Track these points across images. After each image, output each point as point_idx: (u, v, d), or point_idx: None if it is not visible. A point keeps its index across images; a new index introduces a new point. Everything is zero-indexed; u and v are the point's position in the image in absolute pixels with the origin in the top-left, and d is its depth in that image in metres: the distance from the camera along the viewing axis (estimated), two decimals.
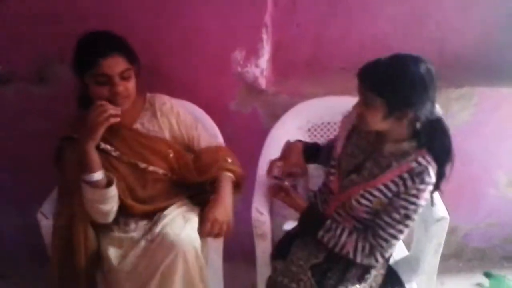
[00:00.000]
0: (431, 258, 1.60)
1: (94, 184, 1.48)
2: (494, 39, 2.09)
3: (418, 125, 1.33)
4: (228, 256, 1.77)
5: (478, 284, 2.22)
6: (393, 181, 1.35)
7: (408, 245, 1.78)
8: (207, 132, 1.80)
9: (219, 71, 1.94)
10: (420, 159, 1.34)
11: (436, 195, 1.61)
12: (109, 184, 1.50)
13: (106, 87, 1.49)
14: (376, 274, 1.50)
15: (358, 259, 1.42)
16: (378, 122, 1.34)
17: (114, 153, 1.57)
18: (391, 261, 1.64)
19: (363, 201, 1.40)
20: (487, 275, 2.21)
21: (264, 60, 1.92)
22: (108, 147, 1.56)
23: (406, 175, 1.34)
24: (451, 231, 2.25)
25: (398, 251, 1.75)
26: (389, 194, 1.36)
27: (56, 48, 1.88)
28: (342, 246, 1.43)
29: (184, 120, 1.71)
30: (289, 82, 2.04)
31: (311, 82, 2.05)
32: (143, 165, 1.59)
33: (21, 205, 2.19)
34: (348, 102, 1.44)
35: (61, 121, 1.63)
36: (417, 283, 1.62)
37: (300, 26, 2.03)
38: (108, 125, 1.47)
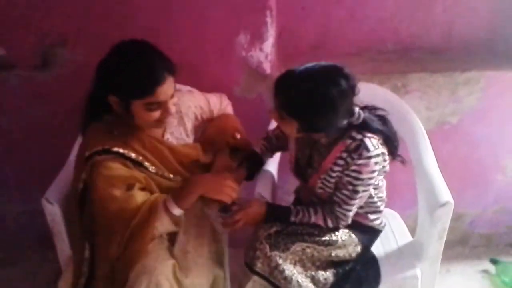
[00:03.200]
0: (435, 244, 1.59)
1: (173, 217, 1.41)
2: (502, 22, 2.06)
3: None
4: (233, 242, 1.76)
5: (484, 271, 2.21)
6: (335, 163, 1.40)
7: (412, 230, 1.77)
8: (211, 96, 1.76)
9: (223, 56, 1.92)
10: (354, 134, 1.38)
11: (441, 179, 1.61)
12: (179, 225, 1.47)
13: (157, 112, 1.37)
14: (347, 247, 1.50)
15: (330, 226, 1.48)
16: (294, 134, 1.42)
17: (151, 169, 1.46)
18: (382, 251, 1.66)
19: (325, 188, 1.46)
20: (494, 261, 2.20)
21: (268, 44, 1.90)
22: (146, 163, 1.45)
23: (344, 154, 1.38)
24: (457, 218, 2.25)
25: (401, 237, 1.75)
26: (339, 174, 1.41)
27: (59, 33, 1.87)
28: (314, 222, 1.47)
29: (204, 107, 1.68)
30: (294, 67, 2.02)
31: None
32: (177, 179, 1.54)
33: (27, 191, 2.20)
34: None
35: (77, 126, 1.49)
36: (421, 268, 1.61)
37: (305, 9, 2.01)
38: (138, 136, 1.44)
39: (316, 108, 1.32)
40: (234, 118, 1.77)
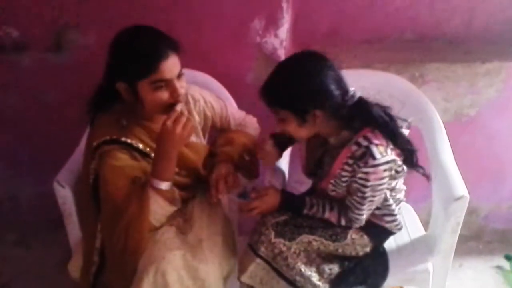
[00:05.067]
0: (449, 238, 1.56)
1: (165, 194, 1.39)
2: None
3: (343, 112, 1.34)
4: (243, 230, 1.76)
5: (498, 267, 2.18)
6: (342, 169, 1.37)
7: (425, 224, 1.74)
8: (233, 108, 1.74)
9: (237, 41, 1.89)
10: (360, 140, 1.32)
11: (457, 172, 1.58)
12: (175, 201, 1.44)
13: (165, 92, 1.34)
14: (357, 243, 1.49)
15: (342, 225, 1.47)
16: (298, 131, 1.38)
17: None
18: (394, 244, 1.64)
19: (337, 190, 1.43)
20: (508, 257, 2.17)
21: (283, 30, 1.87)
22: (153, 154, 1.41)
23: (350, 161, 1.34)
24: (472, 212, 2.22)
25: (414, 230, 1.72)
26: (348, 179, 1.38)
27: (72, 15, 1.86)
28: (327, 219, 1.47)
29: (217, 109, 1.64)
30: None
31: (332, 54, 1.92)
32: (182, 172, 1.52)
33: (39, 174, 2.22)
34: (369, 75, 1.40)
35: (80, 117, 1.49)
36: (433, 263, 1.59)
37: None
38: (145, 127, 1.42)
39: (298, 84, 1.30)
40: (249, 137, 1.67)
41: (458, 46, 2.04)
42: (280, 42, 1.89)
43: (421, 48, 2.04)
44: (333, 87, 1.31)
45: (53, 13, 1.86)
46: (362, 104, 1.34)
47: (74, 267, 1.56)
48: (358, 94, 1.35)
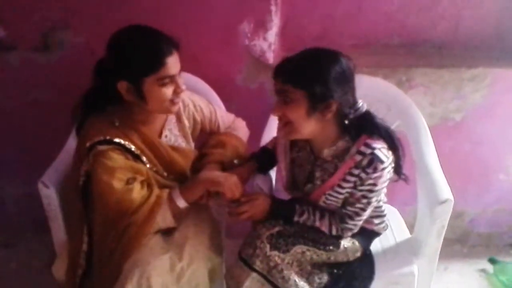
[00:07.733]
0: (434, 241, 1.57)
1: (176, 210, 1.43)
2: (511, 18, 2.02)
3: (346, 121, 1.32)
4: (231, 233, 1.76)
5: (482, 270, 2.20)
6: (344, 180, 1.35)
7: (411, 227, 1.76)
8: (222, 111, 1.75)
9: (226, 44, 1.90)
10: (362, 148, 1.31)
11: (442, 176, 1.59)
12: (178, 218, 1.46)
13: (170, 88, 1.37)
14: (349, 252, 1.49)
15: (333, 234, 1.46)
16: (303, 121, 1.30)
17: (148, 164, 1.47)
18: (380, 247, 1.65)
19: (331, 202, 1.42)
20: (492, 261, 2.19)
21: (272, 33, 1.88)
22: (143, 157, 1.45)
23: (356, 171, 1.32)
24: (457, 216, 2.23)
25: (399, 233, 1.73)
26: (349, 190, 1.37)
27: (61, 15, 1.85)
28: (318, 227, 1.45)
29: (206, 113, 1.65)
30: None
31: None
32: (170, 176, 1.54)
33: (25, 174, 2.19)
34: (356, 79, 1.39)
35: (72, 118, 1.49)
36: (418, 265, 1.59)
37: None
38: (137, 130, 1.43)
39: (326, 68, 1.26)
40: (240, 141, 1.69)
41: (444, 51, 2.07)
42: (269, 45, 1.90)
43: (408, 53, 2.05)
44: (353, 88, 1.31)
45: (41, 12, 1.85)
46: (368, 116, 1.35)
47: (59, 269, 1.54)
48: (365, 106, 1.35)
